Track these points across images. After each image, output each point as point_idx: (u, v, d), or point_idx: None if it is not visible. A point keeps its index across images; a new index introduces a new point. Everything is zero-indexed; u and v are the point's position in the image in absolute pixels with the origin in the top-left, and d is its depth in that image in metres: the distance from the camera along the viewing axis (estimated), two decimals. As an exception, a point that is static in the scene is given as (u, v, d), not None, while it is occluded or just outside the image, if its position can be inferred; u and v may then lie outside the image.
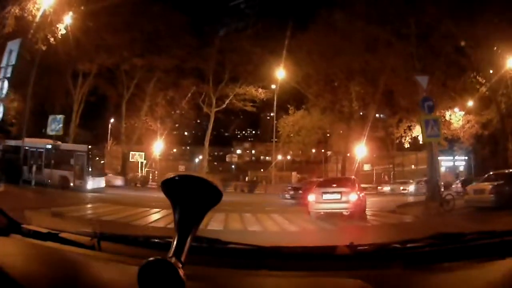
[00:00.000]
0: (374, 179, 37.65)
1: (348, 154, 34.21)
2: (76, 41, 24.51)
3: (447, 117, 28.90)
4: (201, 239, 1.57)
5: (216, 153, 62.80)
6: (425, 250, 1.53)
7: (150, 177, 41.07)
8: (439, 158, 32.52)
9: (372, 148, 35.98)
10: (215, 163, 59.34)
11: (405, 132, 32.60)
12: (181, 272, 0.93)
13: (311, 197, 13.08)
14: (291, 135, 33.17)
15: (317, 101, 31.45)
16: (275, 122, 32.07)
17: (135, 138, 33.95)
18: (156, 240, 1.77)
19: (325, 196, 12.82)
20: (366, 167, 39.04)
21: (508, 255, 1.37)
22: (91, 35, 25.91)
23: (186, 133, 58.95)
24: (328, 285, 1.35)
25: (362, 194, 14.20)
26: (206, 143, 33.53)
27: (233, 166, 59.97)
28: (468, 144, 32.13)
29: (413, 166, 37.25)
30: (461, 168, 37.06)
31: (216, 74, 32.47)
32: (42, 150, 24.54)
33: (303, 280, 1.39)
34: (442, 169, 31.09)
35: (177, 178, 1.03)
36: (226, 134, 68.54)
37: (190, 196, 1.03)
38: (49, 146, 24.73)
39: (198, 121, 46.67)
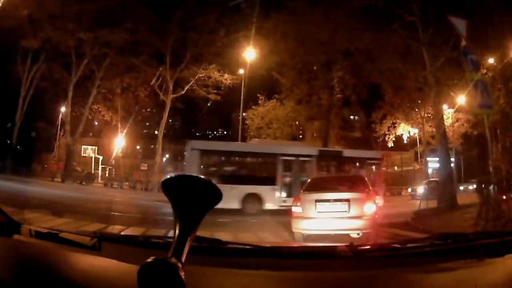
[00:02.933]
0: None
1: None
2: (19, 9, 22.10)
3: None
4: (201, 239, 1.58)
5: (187, 153, 60.68)
6: (425, 250, 1.58)
7: (107, 175, 38.44)
8: (426, 158, 30.14)
9: (352, 147, 33.17)
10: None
11: (388, 130, 30.88)
12: (181, 272, 0.91)
13: (296, 209, 8.10)
14: (261, 127, 29.47)
15: (292, 92, 28.01)
16: (241, 110, 28.11)
17: (81, 128, 29.64)
18: (156, 240, 1.89)
19: (321, 207, 7.86)
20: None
21: (507, 254, 1.39)
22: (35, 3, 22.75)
23: (155, 132, 56.96)
24: (328, 285, 1.36)
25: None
26: (160, 135, 29.23)
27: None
28: (457, 144, 29.96)
29: (396, 168, 34.34)
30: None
31: (175, 55, 28.32)
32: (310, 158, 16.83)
33: (303, 280, 1.38)
34: (429, 170, 28.74)
35: (177, 178, 1.03)
36: (198, 134, 66.59)
37: (190, 196, 1.02)
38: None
39: (170, 120, 44.02)
